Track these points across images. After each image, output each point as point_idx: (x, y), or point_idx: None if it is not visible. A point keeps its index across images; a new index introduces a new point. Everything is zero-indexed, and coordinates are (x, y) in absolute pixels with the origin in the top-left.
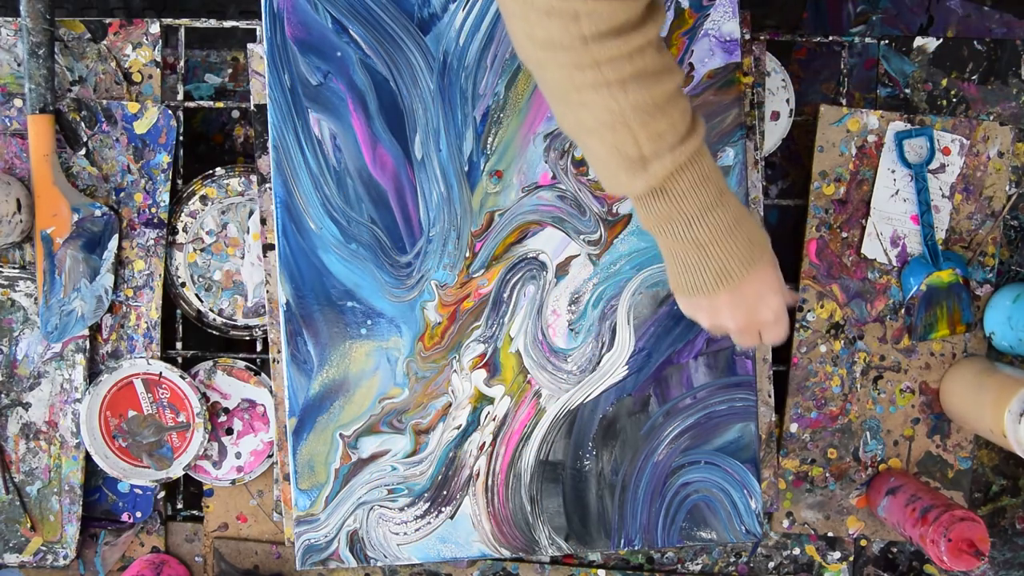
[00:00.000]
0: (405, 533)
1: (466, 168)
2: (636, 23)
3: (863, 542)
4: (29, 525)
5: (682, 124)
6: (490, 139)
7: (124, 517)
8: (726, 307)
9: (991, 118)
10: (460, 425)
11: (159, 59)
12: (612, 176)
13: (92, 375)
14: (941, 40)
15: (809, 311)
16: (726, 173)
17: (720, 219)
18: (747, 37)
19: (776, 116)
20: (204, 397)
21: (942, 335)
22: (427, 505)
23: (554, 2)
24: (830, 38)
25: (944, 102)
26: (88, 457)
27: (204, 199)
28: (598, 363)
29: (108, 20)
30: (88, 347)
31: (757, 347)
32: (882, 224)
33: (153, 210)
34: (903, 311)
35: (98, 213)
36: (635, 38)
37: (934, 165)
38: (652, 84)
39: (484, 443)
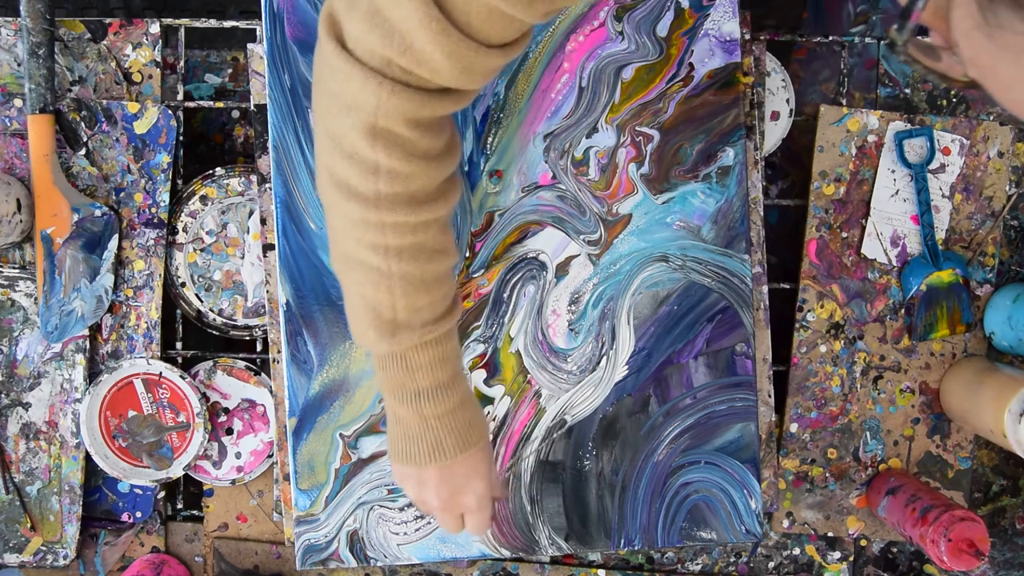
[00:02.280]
0: (405, 533)
1: (466, 168)
2: (431, 196)
3: (863, 542)
4: (29, 525)
5: (441, 305)
6: (490, 139)
7: (124, 517)
8: (433, 482)
9: (991, 118)
10: None
11: (159, 59)
12: (361, 329)
13: (92, 375)
14: None
15: (809, 311)
16: (726, 173)
17: (447, 398)
18: (747, 37)
19: (776, 116)
20: (204, 397)
21: (942, 335)
22: None
23: (358, 148)
24: (830, 38)
25: (944, 102)
26: (88, 457)
27: (204, 199)
28: (598, 363)
29: (108, 20)
30: (88, 347)
31: (457, 534)
32: (882, 224)
33: (153, 210)
34: (903, 311)
35: (98, 213)
36: (425, 212)
37: (934, 165)
38: (426, 261)
39: None
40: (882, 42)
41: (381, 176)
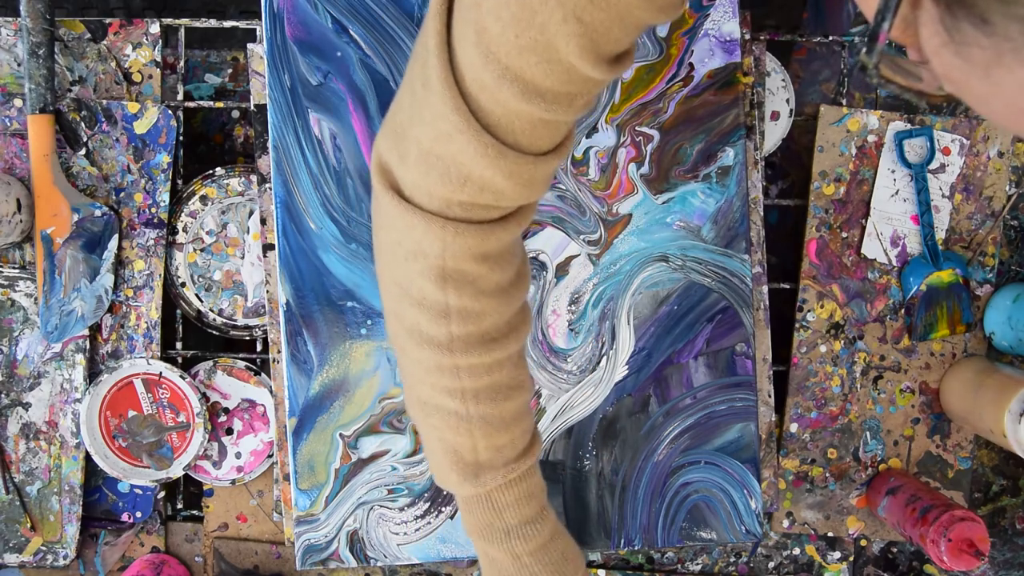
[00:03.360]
0: (405, 533)
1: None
2: (503, 332)
3: (863, 542)
4: (29, 525)
5: (522, 442)
6: None
7: (124, 517)
8: None
9: None
10: None
11: (159, 59)
12: (443, 472)
13: (92, 375)
14: None
15: (809, 311)
16: (726, 173)
17: (537, 532)
18: (747, 37)
19: (776, 116)
20: (204, 397)
21: (942, 335)
22: (427, 505)
23: (427, 292)
24: (830, 38)
25: (944, 102)
26: (88, 457)
27: (204, 199)
28: (598, 363)
29: (108, 20)
30: (88, 347)
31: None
32: (882, 224)
33: (153, 210)
34: (903, 311)
35: (98, 213)
36: (498, 350)
37: (934, 165)
38: (504, 399)
39: None
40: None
41: (452, 318)
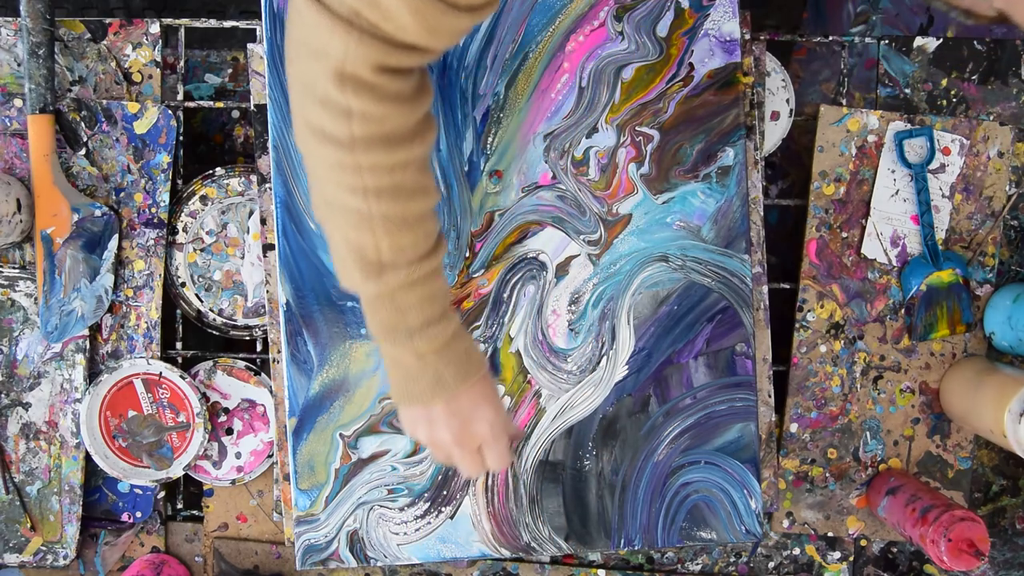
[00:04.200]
0: (405, 533)
1: (466, 168)
2: (406, 136)
3: (863, 542)
4: (29, 525)
5: (425, 244)
6: (490, 139)
7: (124, 517)
8: (443, 417)
9: (991, 118)
10: None
11: (159, 59)
12: (347, 272)
13: (92, 375)
14: (941, 40)
15: (809, 311)
16: (726, 173)
17: (440, 333)
18: (747, 37)
19: (776, 116)
20: (204, 397)
21: (942, 335)
22: (427, 505)
23: (330, 93)
24: (830, 38)
25: (944, 102)
26: (88, 457)
27: (204, 199)
28: (598, 363)
29: (108, 20)
30: (88, 347)
31: (480, 475)
32: (882, 224)
33: (153, 210)
34: (903, 311)
35: (98, 213)
36: (400, 152)
37: (934, 165)
38: (406, 200)
39: None
40: (882, 43)
41: (354, 119)
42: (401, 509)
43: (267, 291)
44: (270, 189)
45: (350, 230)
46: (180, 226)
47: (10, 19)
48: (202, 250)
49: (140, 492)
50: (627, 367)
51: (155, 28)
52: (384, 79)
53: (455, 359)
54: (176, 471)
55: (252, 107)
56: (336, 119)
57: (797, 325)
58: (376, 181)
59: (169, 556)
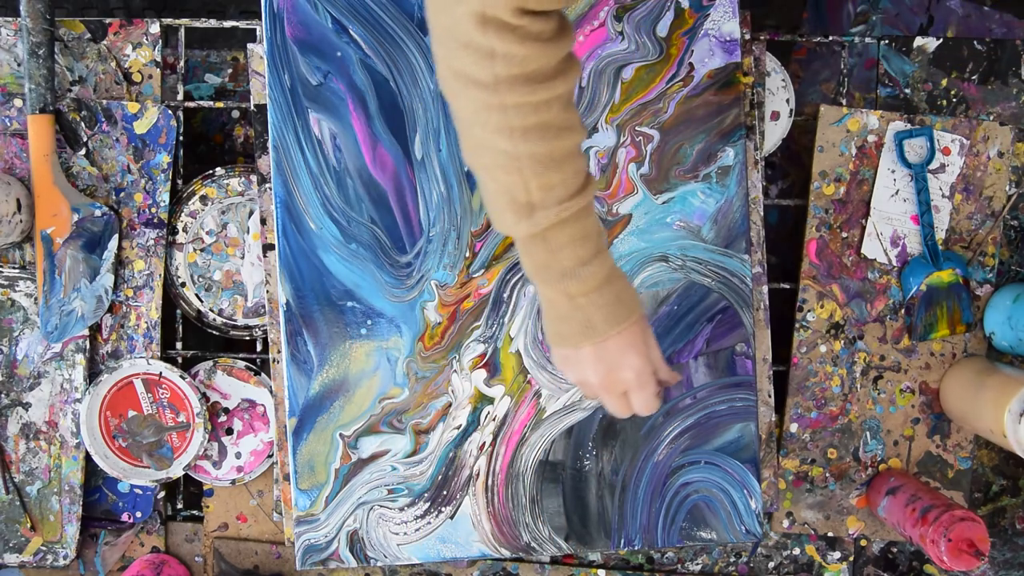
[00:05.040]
0: (405, 533)
1: (466, 168)
2: (548, 75)
3: (863, 542)
4: (29, 525)
5: (574, 182)
6: None
7: (124, 517)
8: (589, 361)
9: (991, 118)
10: (460, 425)
11: (159, 59)
12: (499, 214)
13: (92, 375)
14: (941, 40)
15: (809, 311)
16: (726, 173)
17: (592, 275)
18: (747, 37)
19: (776, 116)
20: (204, 397)
21: (942, 335)
22: (427, 505)
23: (472, 36)
24: (830, 38)
25: (944, 102)
26: (88, 457)
27: (204, 199)
28: None
29: (108, 20)
30: (88, 347)
31: (628, 416)
32: (882, 224)
33: (153, 210)
34: (903, 311)
35: (98, 213)
36: (543, 90)
37: (934, 165)
38: (552, 138)
39: (484, 443)
40: (882, 43)
41: (497, 60)
42: (401, 509)
43: (267, 291)
44: (270, 189)
45: (500, 172)
46: (180, 226)
47: (10, 19)
48: (202, 250)
49: (140, 492)
50: None
51: (155, 28)
52: (525, 20)
53: (606, 303)
54: (176, 471)
55: (252, 107)
56: (479, 62)
57: (797, 325)
58: (522, 120)
59: (169, 556)
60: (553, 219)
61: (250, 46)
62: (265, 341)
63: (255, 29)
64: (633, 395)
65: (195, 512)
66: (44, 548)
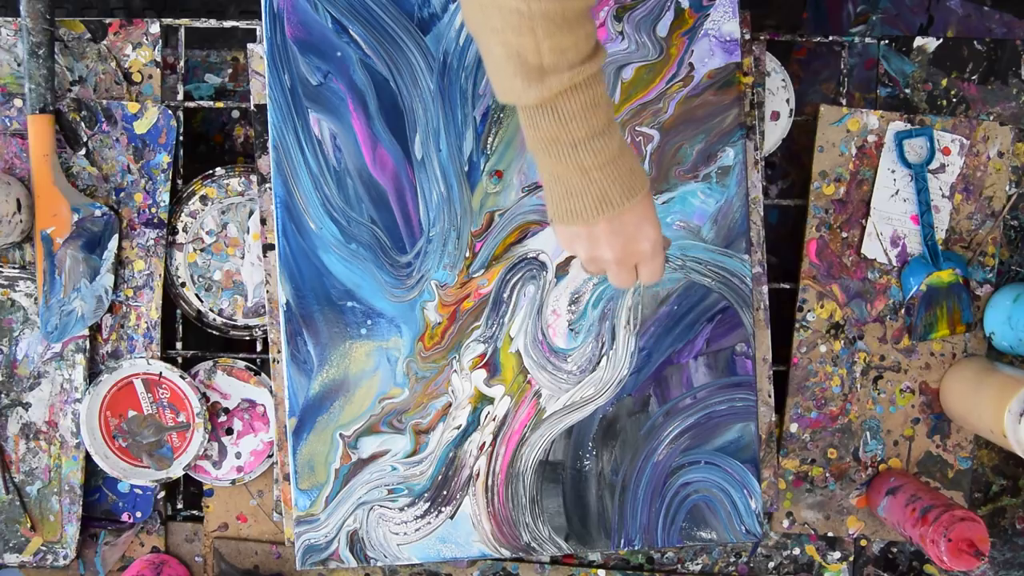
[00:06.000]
0: (405, 533)
1: (466, 168)
2: None
3: (863, 542)
4: (29, 525)
5: (586, 45)
6: (490, 139)
7: (124, 517)
8: (604, 236)
9: (991, 118)
10: (460, 425)
11: (159, 59)
12: (507, 81)
13: (92, 375)
14: (941, 40)
15: (809, 311)
16: (726, 173)
17: (605, 146)
18: (747, 37)
19: (776, 116)
20: (204, 397)
21: (942, 335)
22: (427, 505)
23: None
24: (830, 38)
25: (944, 102)
26: (88, 457)
27: (204, 199)
28: (598, 363)
29: (108, 20)
30: (88, 347)
31: (632, 287)
32: (882, 224)
33: (153, 210)
34: (903, 311)
35: (98, 213)
36: None
37: (934, 165)
38: None
39: (484, 443)
40: (882, 43)
41: None
42: (401, 509)
43: (267, 291)
44: (270, 189)
45: (509, 34)
46: (180, 226)
47: (10, 19)
48: (202, 250)
49: (140, 492)
50: (627, 367)
51: (155, 28)
52: None
53: (620, 175)
54: (176, 471)
55: (252, 107)
56: None
57: (797, 325)
58: None
59: (169, 556)
60: (565, 83)
61: (250, 46)
62: (265, 341)
63: (255, 29)
64: (644, 266)
65: (195, 512)
66: (44, 548)
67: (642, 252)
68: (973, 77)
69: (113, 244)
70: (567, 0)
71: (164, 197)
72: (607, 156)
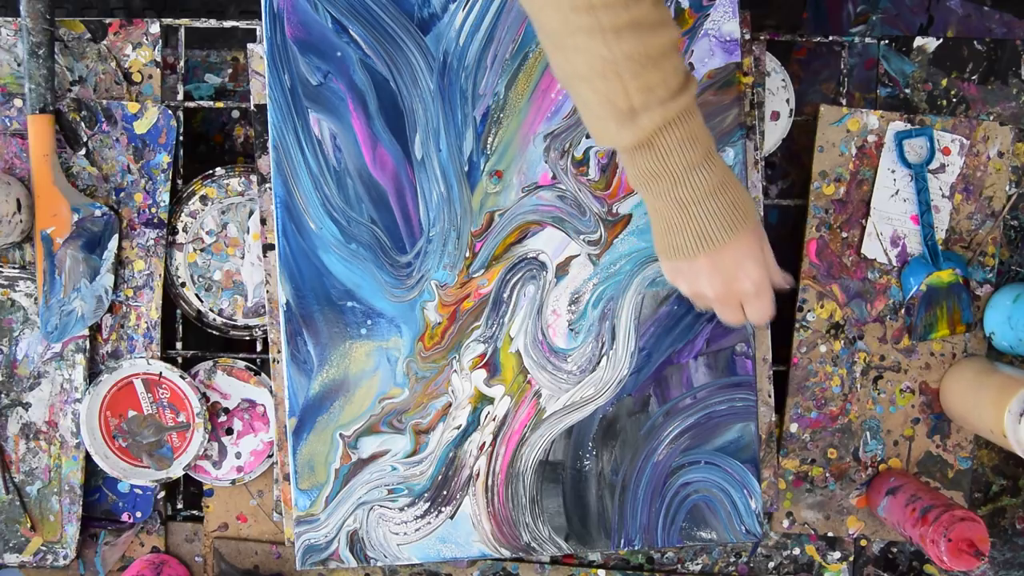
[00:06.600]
0: (405, 533)
1: (466, 168)
2: None
3: (863, 542)
4: (29, 525)
5: (674, 80)
6: (490, 139)
7: (124, 517)
8: (705, 273)
9: (991, 118)
10: (460, 425)
11: (159, 59)
12: (602, 126)
13: (92, 375)
14: (941, 40)
15: (809, 311)
16: None
17: (704, 180)
18: (747, 37)
19: (776, 116)
20: (204, 397)
21: (942, 335)
22: (427, 505)
23: None
24: (830, 38)
25: (944, 102)
26: (88, 457)
27: (204, 199)
28: (598, 363)
29: (108, 20)
30: (88, 347)
31: (742, 325)
32: (882, 224)
33: (153, 210)
34: (903, 311)
35: (98, 213)
36: None
37: (934, 165)
38: (647, 35)
39: (484, 443)
40: (882, 43)
41: None
42: (401, 509)
43: (267, 291)
44: (270, 189)
45: (596, 80)
46: (180, 226)
47: (10, 19)
48: (202, 250)
49: (140, 492)
50: (627, 367)
51: (155, 28)
52: None
53: (721, 210)
54: (176, 471)
55: (252, 107)
56: None
57: (797, 325)
58: (612, 19)
59: (169, 556)
60: (658, 121)
61: (250, 46)
62: (265, 341)
63: (255, 29)
64: (749, 305)
65: (195, 512)
66: (44, 548)
67: (744, 291)
68: (973, 77)
69: (113, 244)
70: (649, 38)
71: (164, 197)
72: (706, 190)
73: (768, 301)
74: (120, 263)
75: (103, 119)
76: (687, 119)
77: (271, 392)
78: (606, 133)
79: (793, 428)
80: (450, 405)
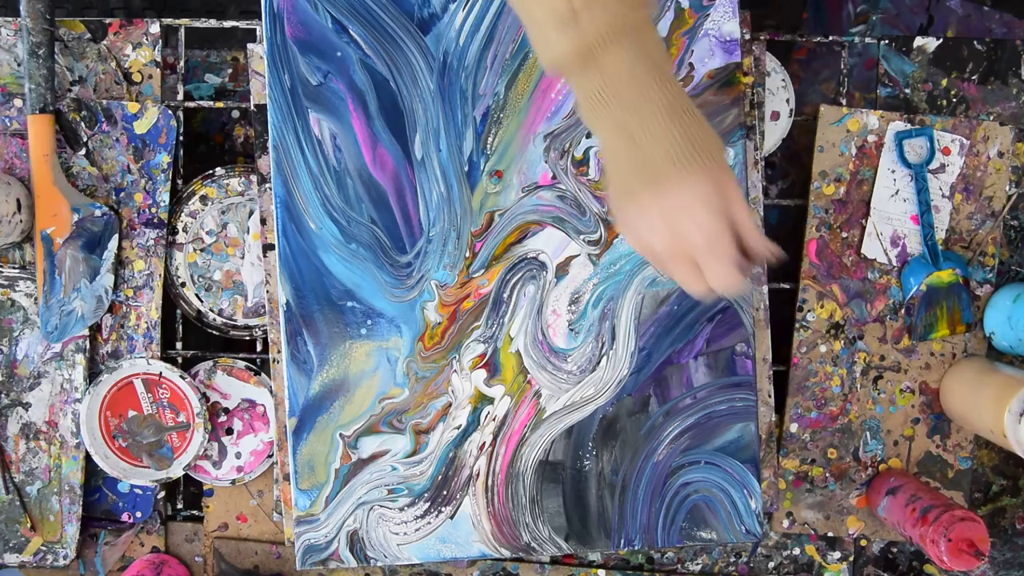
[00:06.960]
0: (405, 533)
1: (466, 168)
2: None
3: (863, 542)
4: (29, 525)
5: None
6: (490, 139)
7: (124, 517)
8: (648, 216)
9: (991, 118)
10: (460, 425)
11: (159, 59)
12: (543, 37)
13: (92, 375)
14: (941, 40)
15: (809, 311)
16: None
17: (655, 105)
18: (747, 37)
19: (776, 116)
20: (204, 397)
21: (942, 335)
22: (427, 505)
23: None
24: (830, 38)
25: (944, 102)
26: (88, 457)
27: (204, 199)
28: (598, 363)
29: (108, 20)
30: (88, 347)
31: (709, 295)
32: (882, 224)
33: (153, 210)
34: (903, 311)
35: (98, 213)
36: None
37: (934, 165)
38: None
39: (484, 443)
40: (882, 43)
41: None
42: (401, 509)
43: (267, 291)
44: (270, 189)
45: None
46: (180, 226)
47: (10, 19)
48: (202, 250)
49: (140, 492)
50: (627, 367)
51: (155, 28)
52: None
53: (670, 139)
54: (176, 471)
55: (252, 107)
56: None
57: (797, 325)
58: None
59: (169, 556)
60: (600, 26)
61: (250, 46)
62: (265, 341)
63: (255, 29)
64: (705, 266)
65: (195, 512)
66: (44, 548)
67: (693, 244)
68: (973, 77)
69: (113, 244)
70: None
71: (164, 197)
72: (655, 114)
73: (726, 262)
74: (120, 263)
75: (103, 119)
76: (638, 32)
77: (271, 392)
78: (547, 45)
79: (793, 428)
80: (450, 405)
